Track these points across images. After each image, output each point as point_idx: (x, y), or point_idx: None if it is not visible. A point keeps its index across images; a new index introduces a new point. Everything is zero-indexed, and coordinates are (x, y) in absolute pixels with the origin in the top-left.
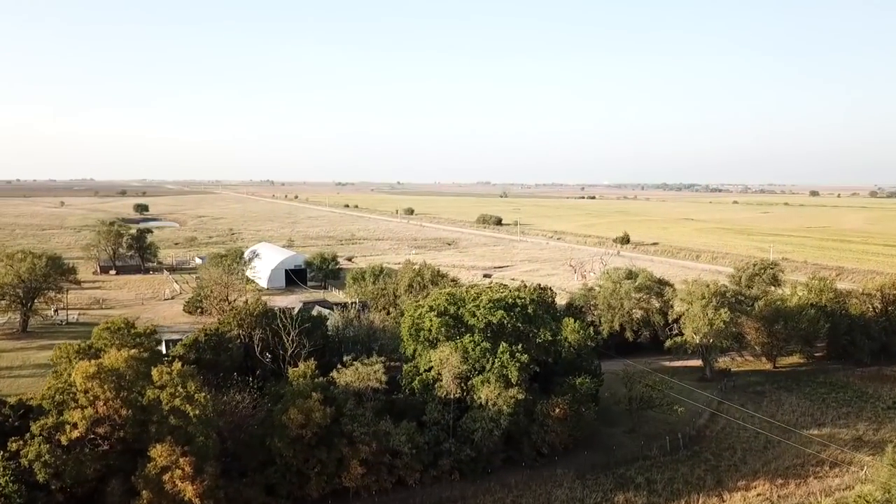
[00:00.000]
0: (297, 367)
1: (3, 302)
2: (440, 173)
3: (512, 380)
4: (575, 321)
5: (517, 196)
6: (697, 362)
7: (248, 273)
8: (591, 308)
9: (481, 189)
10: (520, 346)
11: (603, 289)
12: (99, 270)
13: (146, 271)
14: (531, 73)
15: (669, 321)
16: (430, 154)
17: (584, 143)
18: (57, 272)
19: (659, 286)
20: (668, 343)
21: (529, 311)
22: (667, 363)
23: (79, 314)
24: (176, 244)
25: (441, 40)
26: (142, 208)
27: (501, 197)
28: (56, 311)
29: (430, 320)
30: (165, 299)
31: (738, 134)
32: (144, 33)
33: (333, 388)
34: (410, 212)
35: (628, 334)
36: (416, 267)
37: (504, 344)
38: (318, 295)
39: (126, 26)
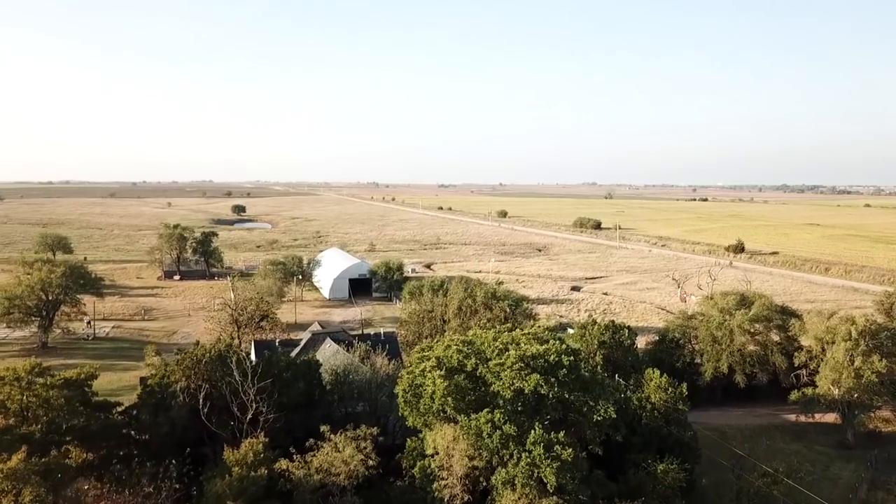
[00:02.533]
0: (261, 434)
1: (15, 315)
2: (544, 174)
3: (548, 485)
4: (662, 375)
5: (622, 197)
6: (833, 417)
7: (315, 282)
8: (691, 340)
9: (586, 190)
10: (561, 434)
11: (706, 318)
12: (163, 276)
13: (211, 277)
14: (639, 69)
15: (796, 363)
16: (534, 155)
17: (697, 142)
18: (76, 283)
19: (782, 317)
20: (794, 395)
21: (583, 373)
22: (790, 416)
23: (112, 327)
24: (258, 247)
25: (542, 40)
26: (239, 209)
27: (606, 198)
28: (89, 323)
29: (434, 382)
30: (217, 310)
31: (870, 129)
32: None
33: (286, 482)
34: (504, 214)
35: (738, 377)
36: (467, 286)
37: (538, 429)
38: (380, 309)
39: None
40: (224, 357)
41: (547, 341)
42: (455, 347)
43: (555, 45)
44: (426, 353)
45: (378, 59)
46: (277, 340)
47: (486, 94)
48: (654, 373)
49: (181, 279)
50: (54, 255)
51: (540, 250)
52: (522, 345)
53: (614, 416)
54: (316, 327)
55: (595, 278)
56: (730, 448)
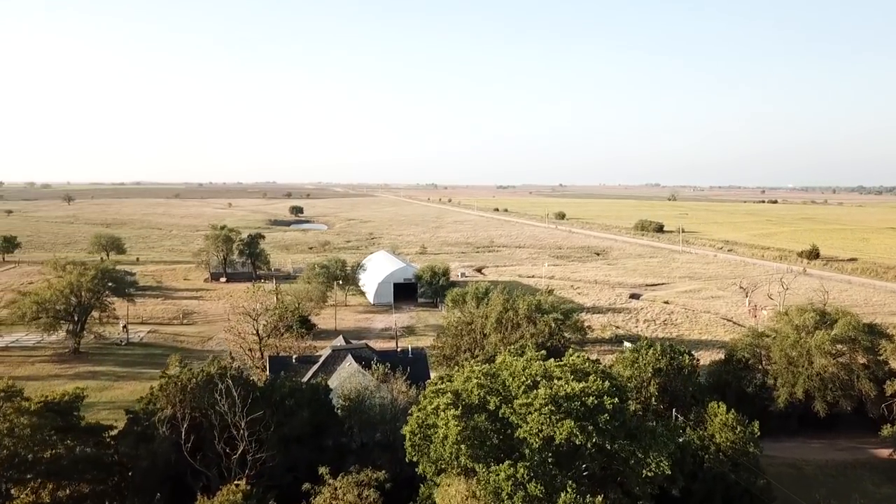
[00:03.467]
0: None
1: (43, 320)
2: (606, 175)
3: None
4: (729, 410)
5: (687, 199)
6: None
7: (361, 286)
8: (762, 361)
9: (648, 192)
10: (599, 500)
11: (780, 336)
12: (210, 277)
13: (257, 279)
14: (709, 66)
15: (887, 392)
16: (596, 155)
17: (766, 142)
18: (106, 286)
19: (869, 337)
20: (886, 431)
21: (630, 418)
22: (880, 452)
23: (147, 332)
24: (310, 248)
25: (604, 37)
26: (296, 210)
27: (669, 200)
28: (125, 327)
29: (448, 423)
30: (238, 313)
31: None
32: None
33: None
34: (561, 216)
35: (818, 405)
36: (509, 296)
37: (571, 490)
38: (424, 315)
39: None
40: (213, 383)
41: (587, 374)
42: (476, 381)
43: (618, 43)
44: (442, 387)
45: (440, 61)
46: (294, 356)
47: (546, 93)
48: (719, 407)
49: (227, 281)
50: (108, 255)
51: (598, 254)
52: (556, 379)
53: (668, 472)
54: (340, 341)
55: (656, 285)
56: (808, 490)
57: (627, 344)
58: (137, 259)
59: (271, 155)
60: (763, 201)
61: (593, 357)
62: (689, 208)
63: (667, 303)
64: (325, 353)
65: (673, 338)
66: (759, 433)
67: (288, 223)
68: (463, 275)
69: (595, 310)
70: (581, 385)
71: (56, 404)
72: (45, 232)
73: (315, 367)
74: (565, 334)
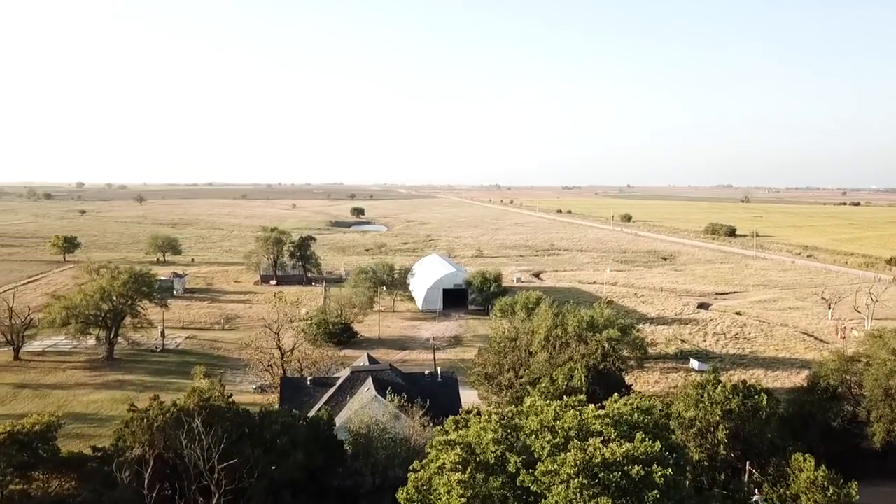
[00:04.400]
0: None
1: (73, 326)
2: (675, 176)
3: None
4: (817, 465)
5: (761, 201)
6: None
7: (411, 291)
8: (852, 389)
9: (720, 193)
10: None
11: (874, 362)
12: (260, 280)
13: (308, 282)
14: (787, 61)
15: None
16: (665, 155)
17: (847, 141)
18: (138, 291)
19: None
20: None
21: (685, 498)
22: None
23: (185, 338)
24: (367, 250)
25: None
26: (358, 211)
27: (742, 202)
28: (163, 333)
29: (450, 491)
30: (301, 320)
31: None
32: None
33: None
34: (627, 218)
35: None
36: (558, 311)
37: None
38: (473, 324)
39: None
40: (186, 420)
41: (636, 426)
42: (492, 434)
43: (688, 38)
44: (452, 437)
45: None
46: (309, 379)
47: (614, 92)
48: (805, 461)
49: (277, 284)
50: (164, 256)
51: (665, 259)
52: (594, 436)
53: None
54: (363, 361)
55: (727, 294)
56: None
57: (694, 362)
58: (192, 260)
59: (339, 157)
60: (845, 203)
61: (655, 375)
62: (764, 210)
63: (739, 314)
64: (343, 374)
65: (745, 354)
66: (857, 496)
67: (348, 224)
68: (519, 280)
69: (659, 321)
70: (624, 448)
71: (23, 435)
72: (111, 232)
73: (331, 392)
74: (623, 352)
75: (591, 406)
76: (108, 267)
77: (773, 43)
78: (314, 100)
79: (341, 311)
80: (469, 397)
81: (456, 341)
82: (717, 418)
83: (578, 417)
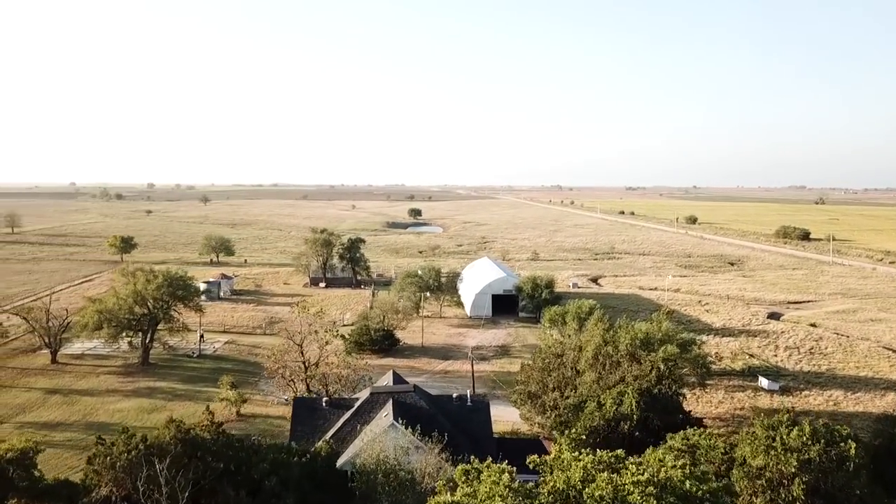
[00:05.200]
0: None
1: (105, 330)
2: (744, 176)
3: None
4: None
5: (837, 203)
6: None
7: (461, 296)
8: None
9: (793, 195)
10: None
11: None
12: (309, 283)
13: (357, 285)
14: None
15: None
16: (733, 156)
17: None
18: (173, 296)
19: None
20: None
21: None
22: None
23: (225, 343)
24: (420, 252)
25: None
26: (415, 213)
27: (816, 204)
28: (202, 337)
29: None
30: (345, 325)
31: None
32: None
33: None
34: (693, 220)
35: None
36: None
37: None
38: (523, 333)
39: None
40: (151, 458)
41: (687, 499)
42: (500, 502)
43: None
44: (453, 501)
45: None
46: (325, 399)
47: (680, 90)
48: None
49: (326, 287)
50: (217, 256)
51: (732, 264)
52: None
53: None
54: (388, 380)
55: (800, 303)
56: None
57: (763, 381)
58: (245, 261)
59: (401, 159)
60: None
61: (719, 395)
62: (841, 213)
63: (813, 325)
64: (362, 395)
65: (822, 372)
66: None
67: (405, 226)
68: (575, 285)
69: (725, 332)
70: None
71: None
72: (172, 232)
73: (347, 415)
74: (683, 370)
75: (632, 468)
76: (144, 269)
77: (846, 40)
78: (379, 102)
79: (384, 317)
80: (510, 414)
81: (503, 351)
82: (793, 469)
83: (613, 483)
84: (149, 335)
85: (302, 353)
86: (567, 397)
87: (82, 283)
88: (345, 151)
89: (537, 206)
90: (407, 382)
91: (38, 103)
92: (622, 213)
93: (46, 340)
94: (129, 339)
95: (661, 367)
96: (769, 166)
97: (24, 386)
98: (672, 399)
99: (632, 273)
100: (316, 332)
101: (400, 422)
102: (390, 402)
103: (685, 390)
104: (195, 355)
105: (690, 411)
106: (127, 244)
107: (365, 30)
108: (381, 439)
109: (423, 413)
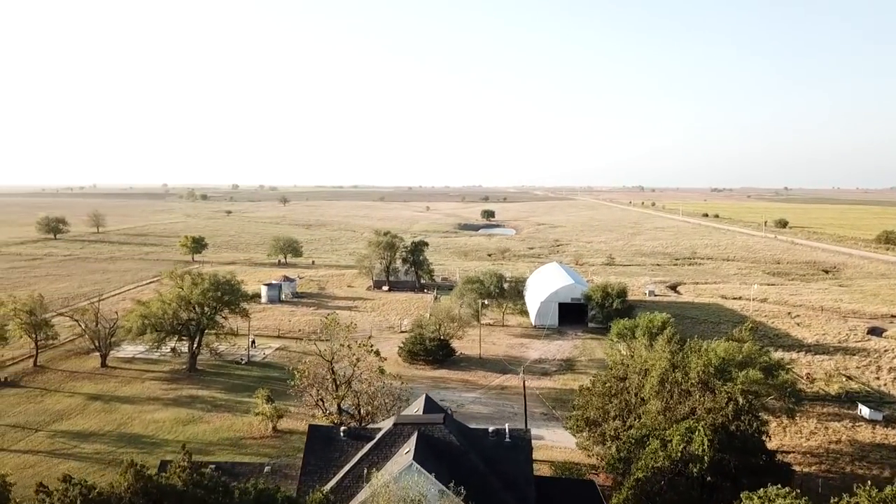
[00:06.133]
0: None
1: (148, 336)
2: (841, 177)
3: None
4: None
5: None
6: None
7: (526, 303)
8: None
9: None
10: None
11: None
12: (373, 286)
13: (420, 289)
14: None
15: None
16: (828, 155)
17: None
18: (218, 300)
19: None
20: None
21: None
22: None
23: (276, 349)
24: (489, 255)
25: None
26: (488, 214)
27: None
28: (253, 342)
29: None
30: (402, 331)
31: None
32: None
33: None
34: (783, 224)
35: None
36: (680, 348)
37: None
38: (591, 346)
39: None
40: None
41: None
42: None
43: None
44: None
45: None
46: (343, 429)
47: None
48: None
49: (389, 290)
50: (286, 258)
51: (826, 272)
52: None
53: None
54: (418, 406)
55: None
56: None
57: (864, 409)
58: (313, 262)
59: (479, 160)
60: None
61: (811, 424)
62: None
63: None
64: (385, 426)
65: None
66: None
67: (476, 227)
68: (651, 293)
69: (818, 349)
70: None
71: None
72: (247, 232)
73: (367, 448)
74: (768, 398)
75: None
76: (192, 273)
77: None
78: (458, 104)
79: (439, 326)
80: (568, 439)
81: (567, 365)
82: None
83: None
84: (196, 341)
85: (332, 369)
86: (630, 427)
87: (150, 283)
88: (424, 153)
89: (615, 208)
90: (441, 408)
91: (135, 109)
92: (706, 215)
93: (96, 344)
94: (172, 345)
95: (741, 400)
96: (868, 168)
97: (69, 391)
98: (752, 437)
99: (714, 280)
100: (349, 346)
101: (423, 461)
102: (415, 435)
103: (769, 418)
104: (243, 362)
105: (776, 451)
106: (198, 244)
107: (452, 35)
108: (398, 482)
109: (453, 450)
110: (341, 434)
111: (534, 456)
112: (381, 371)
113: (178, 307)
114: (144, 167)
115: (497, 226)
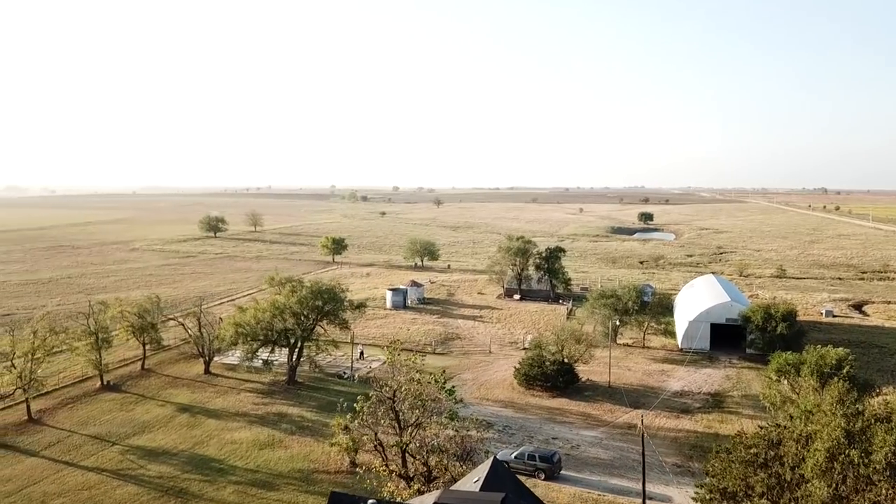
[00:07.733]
0: None
1: (242, 346)
2: None
3: None
4: None
5: None
6: None
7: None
8: None
9: None
10: None
11: None
12: (503, 294)
13: (555, 299)
14: None
15: None
16: None
17: None
18: (316, 310)
19: None
20: None
21: None
22: None
23: (383, 363)
24: (640, 262)
25: None
26: (645, 217)
27: None
28: (362, 354)
29: None
30: (524, 348)
31: None
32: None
33: None
34: None
35: None
36: (860, 410)
37: None
38: (747, 377)
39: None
40: None
41: None
42: None
43: None
44: None
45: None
46: (371, 502)
47: None
48: None
49: (521, 299)
50: (422, 260)
51: None
52: None
53: None
54: (479, 476)
55: None
56: None
57: None
58: (448, 266)
59: (640, 160)
60: None
61: None
62: None
63: None
64: (426, 501)
65: None
66: None
67: (631, 231)
68: (829, 313)
69: None
70: None
71: None
72: (395, 233)
73: None
74: None
75: None
76: (292, 280)
77: None
78: (610, 105)
79: (561, 347)
80: None
81: (714, 402)
82: None
83: None
84: (295, 352)
85: (394, 410)
86: None
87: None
88: (581, 154)
89: (792, 212)
90: (512, 478)
91: (305, 113)
92: None
93: (199, 349)
94: (265, 357)
95: None
96: None
97: (163, 399)
98: None
99: None
100: (418, 381)
101: None
102: None
103: None
104: (346, 376)
105: None
106: (338, 245)
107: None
108: None
109: None
110: None
111: None
112: (452, 416)
113: (273, 316)
114: (316, 169)
115: (655, 230)
